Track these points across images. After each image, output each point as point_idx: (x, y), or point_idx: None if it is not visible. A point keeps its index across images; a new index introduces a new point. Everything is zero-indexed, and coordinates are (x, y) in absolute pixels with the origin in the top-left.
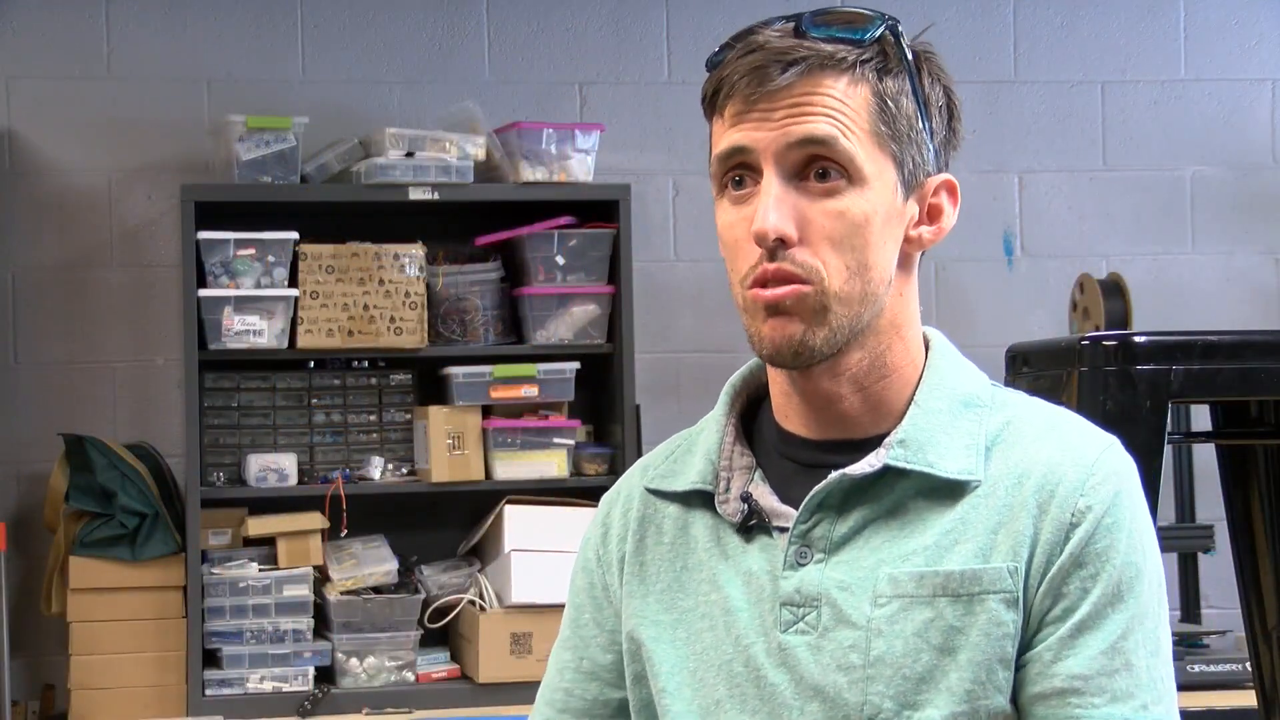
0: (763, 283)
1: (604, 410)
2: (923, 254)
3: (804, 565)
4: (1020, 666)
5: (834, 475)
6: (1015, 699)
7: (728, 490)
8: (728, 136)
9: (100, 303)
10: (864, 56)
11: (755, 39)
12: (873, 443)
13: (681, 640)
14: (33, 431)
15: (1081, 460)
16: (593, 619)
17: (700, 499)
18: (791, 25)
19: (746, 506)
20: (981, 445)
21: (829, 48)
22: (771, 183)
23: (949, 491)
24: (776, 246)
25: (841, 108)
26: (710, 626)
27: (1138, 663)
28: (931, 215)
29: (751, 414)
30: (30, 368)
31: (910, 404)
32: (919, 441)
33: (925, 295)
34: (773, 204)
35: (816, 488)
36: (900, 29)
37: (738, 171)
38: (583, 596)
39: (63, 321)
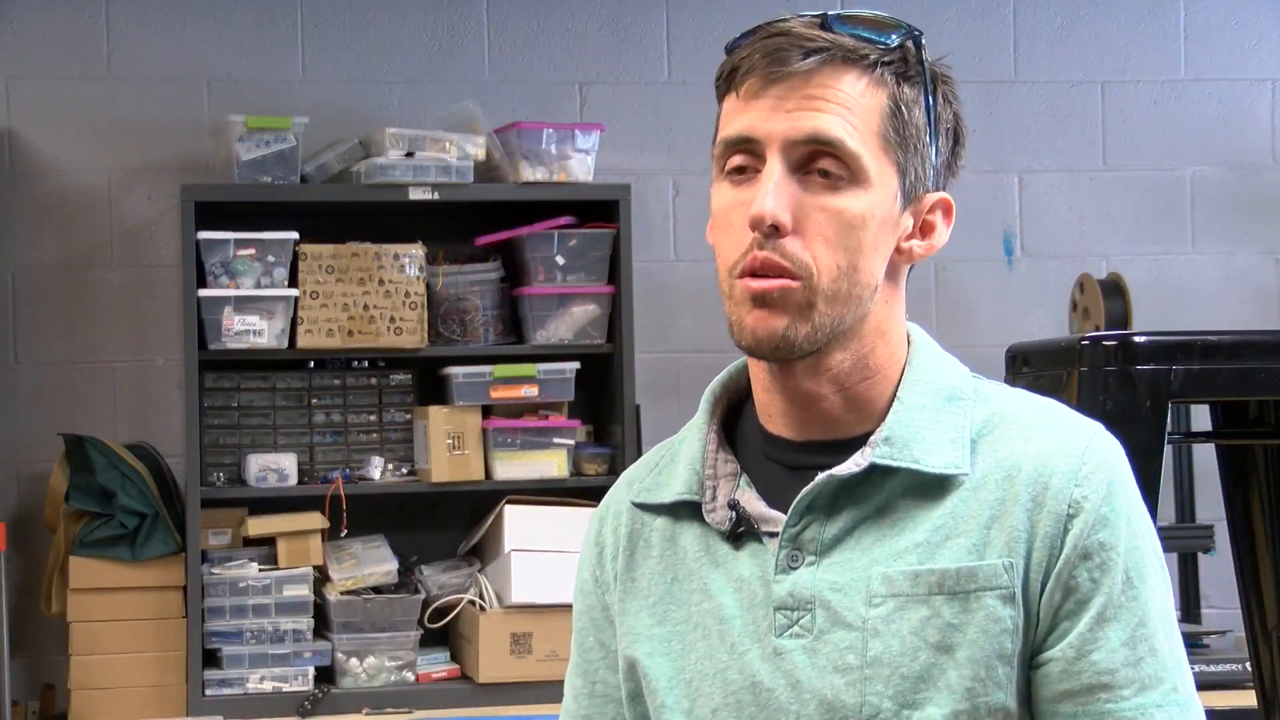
0: (751, 272)
1: (604, 410)
2: (911, 267)
3: (795, 568)
4: (1038, 665)
5: (821, 477)
6: (1030, 696)
7: (714, 498)
8: (737, 121)
9: (100, 303)
10: (885, 58)
11: (779, 25)
12: (857, 442)
13: (676, 652)
14: (33, 431)
15: (1071, 450)
16: (597, 641)
17: (687, 509)
18: (817, 20)
19: (734, 514)
20: (967, 438)
21: (852, 43)
22: (774, 169)
23: (937, 487)
24: (770, 233)
25: (855, 106)
26: (704, 636)
27: (1160, 646)
28: (924, 231)
29: (733, 418)
30: (30, 368)
31: (893, 401)
32: (904, 438)
33: (925, 295)
34: (772, 190)
35: (804, 490)
36: (923, 42)
37: (741, 156)
38: (584, 620)
39: (63, 321)
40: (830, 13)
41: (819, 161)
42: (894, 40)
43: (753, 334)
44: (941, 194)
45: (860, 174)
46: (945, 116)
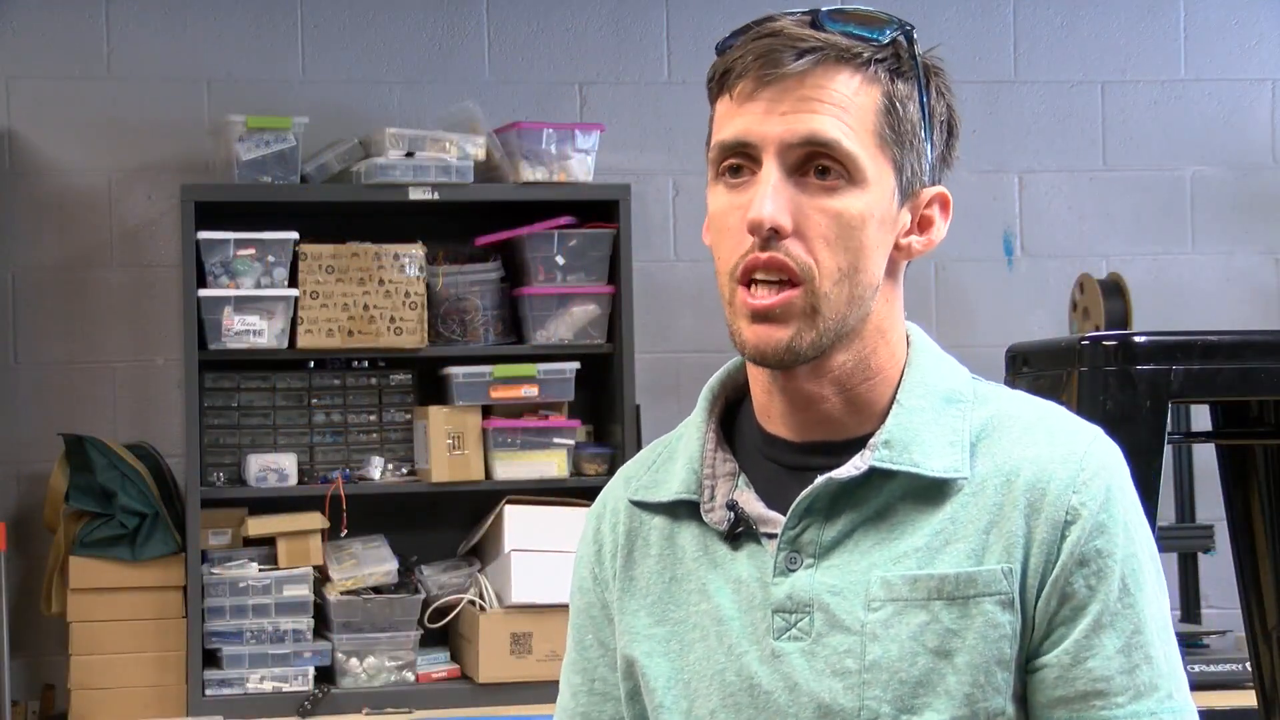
0: (752, 271)
1: (604, 410)
2: (908, 263)
3: (794, 571)
4: (1034, 670)
5: (820, 480)
6: (1025, 701)
7: (712, 498)
8: (732, 124)
9: (100, 303)
10: (878, 55)
11: (770, 25)
12: (856, 444)
13: (675, 653)
14: (33, 431)
15: (1070, 456)
16: (596, 639)
17: (685, 508)
18: (808, 17)
19: (733, 514)
20: (966, 442)
21: (845, 42)
22: (771, 172)
23: (936, 491)
24: (770, 237)
25: (849, 106)
26: (702, 637)
27: (1156, 654)
28: (922, 226)
29: (730, 416)
30: (30, 368)
31: (893, 403)
32: (903, 441)
33: (925, 295)
34: (770, 194)
35: (803, 493)
36: (915, 36)
37: (736, 159)
38: (583, 617)
39: (63, 321)
40: (821, 10)
41: (816, 163)
42: (886, 36)
43: (755, 348)
44: (938, 188)
45: (858, 174)
46: (939, 110)
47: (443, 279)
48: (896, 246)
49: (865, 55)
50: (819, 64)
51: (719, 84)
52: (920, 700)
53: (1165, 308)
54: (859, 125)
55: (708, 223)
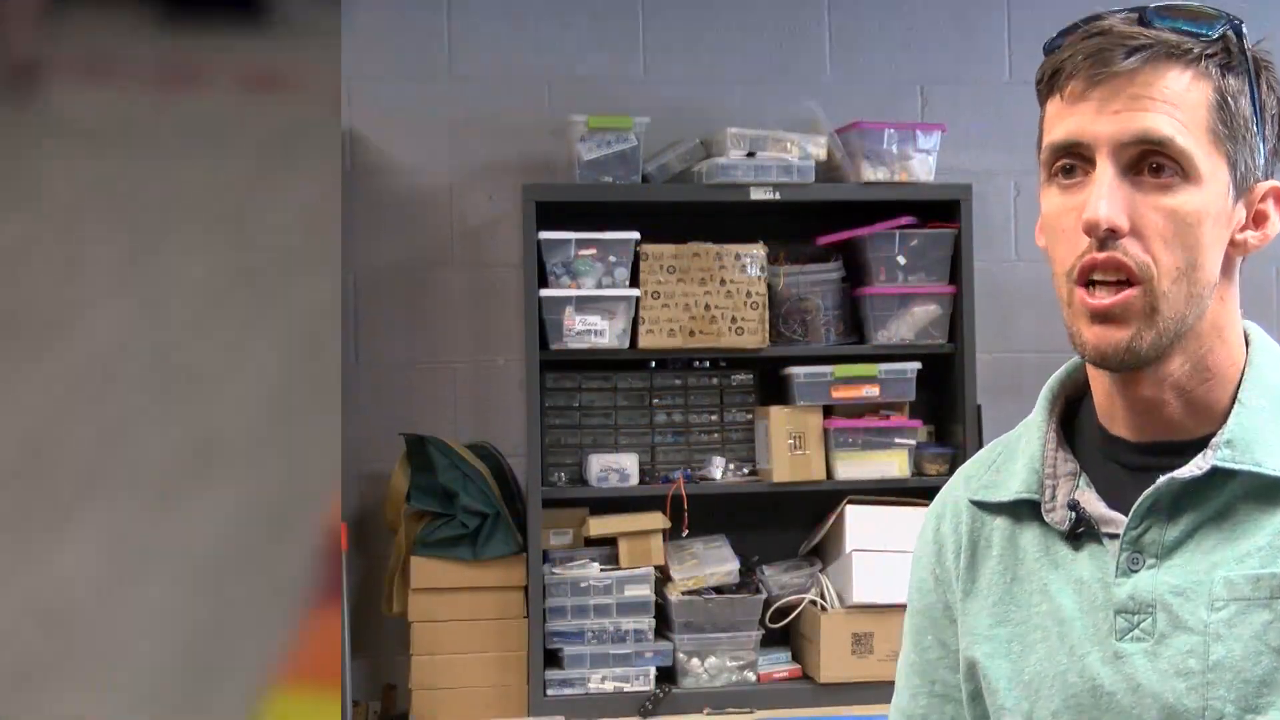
0: (1089, 271)
1: (945, 410)
2: (1243, 260)
3: (1136, 571)
4: None
5: (1162, 480)
6: None
7: (1054, 498)
8: (1063, 125)
9: (441, 302)
10: (1208, 51)
11: (1099, 24)
12: (1196, 444)
13: (1016, 654)
14: (373, 431)
15: None
16: (936, 639)
17: (1026, 508)
18: (1135, 15)
19: (1074, 514)
20: None
21: (1174, 38)
22: (1105, 172)
23: (1278, 490)
24: (1107, 237)
25: (1181, 102)
26: (1044, 638)
27: None
28: (1257, 221)
29: (1070, 415)
30: (371, 367)
31: (1234, 403)
32: (1245, 441)
33: (1266, 296)
34: (1106, 193)
35: (1146, 492)
36: (1244, 30)
37: (1069, 160)
38: (922, 618)
39: (403, 321)
40: (1150, 6)
41: (1149, 161)
42: (1216, 31)
43: (1095, 349)
44: (1272, 182)
45: (1192, 171)
46: (1270, 104)
47: (784, 279)
48: (1232, 243)
49: (1195, 51)
50: (1149, 61)
51: (1049, 85)
52: (1265, 699)
53: None
54: (1191, 121)
55: (1040, 224)
